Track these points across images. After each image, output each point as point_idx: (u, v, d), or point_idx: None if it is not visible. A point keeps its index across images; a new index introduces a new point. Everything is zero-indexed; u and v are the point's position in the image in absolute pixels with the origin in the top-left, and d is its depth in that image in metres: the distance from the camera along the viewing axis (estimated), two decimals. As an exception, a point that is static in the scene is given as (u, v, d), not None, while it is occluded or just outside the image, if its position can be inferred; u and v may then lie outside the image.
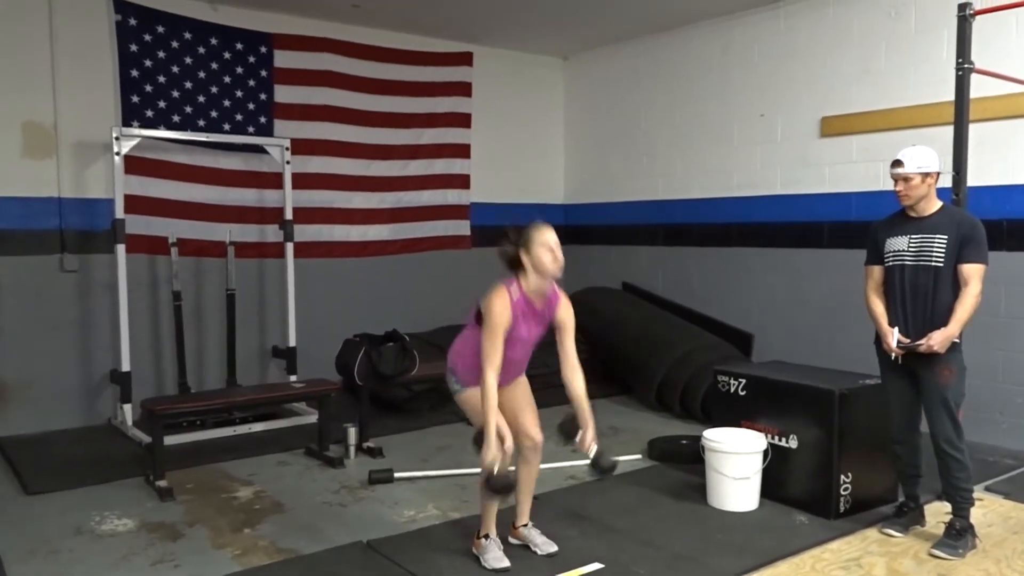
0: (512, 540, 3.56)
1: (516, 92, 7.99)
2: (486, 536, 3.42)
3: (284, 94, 6.65)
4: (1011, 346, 5.08)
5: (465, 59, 7.61)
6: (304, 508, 4.18)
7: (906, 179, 3.50)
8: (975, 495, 3.68)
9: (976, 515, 3.67)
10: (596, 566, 3.35)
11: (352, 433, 5.07)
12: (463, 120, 7.66)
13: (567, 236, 8.18)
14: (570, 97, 8.35)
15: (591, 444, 3.28)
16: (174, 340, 6.00)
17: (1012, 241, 5.04)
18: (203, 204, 6.29)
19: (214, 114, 6.34)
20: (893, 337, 3.52)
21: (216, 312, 6.31)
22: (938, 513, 3.79)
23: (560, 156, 8.39)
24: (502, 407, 3.27)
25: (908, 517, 3.77)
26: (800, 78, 6.23)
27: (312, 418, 5.59)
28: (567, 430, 3.34)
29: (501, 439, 3.10)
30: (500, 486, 3.12)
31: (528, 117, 8.08)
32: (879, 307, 3.66)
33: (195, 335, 6.26)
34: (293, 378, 6.14)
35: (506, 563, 3.33)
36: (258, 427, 5.63)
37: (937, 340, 3.40)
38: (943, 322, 3.44)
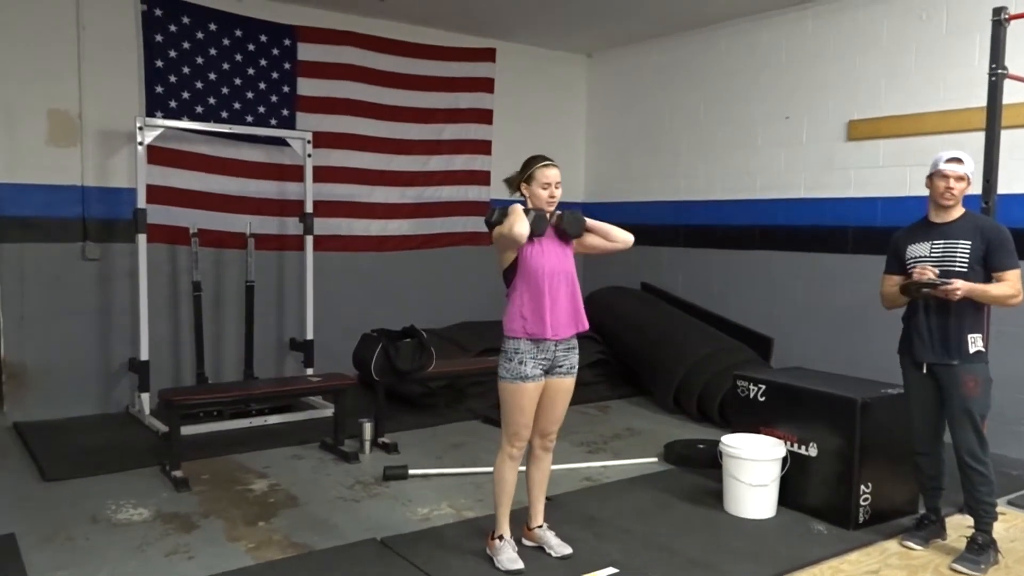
0: (526, 542, 3.53)
1: (538, 89, 7.95)
2: (500, 537, 3.40)
3: (307, 87, 6.65)
4: (1037, 358, 4.99)
5: (488, 55, 7.58)
6: (318, 502, 4.17)
7: (961, 178, 3.44)
8: (998, 509, 3.61)
9: (999, 530, 3.60)
10: (611, 570, 3.32)
11: (367, 428, 5.07)
12: (485, 116, 7.63)
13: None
14: (593, 95, 8.29)
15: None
16: (193, 330, 6.02)
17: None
18: (224, 195, 6.31)
19: (237, 106, 6.35)
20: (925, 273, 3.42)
21: (235, 304, 6.32)
22: (959, 527, 3.74)
23: (582, 154, 8.34)
24: (542, 397, 3.33)
25: (929, 530, 3.71)
26: (827, 81, 6.15)
27: (328, 412, 5.59)
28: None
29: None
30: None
31: (550, 114, 8.03)
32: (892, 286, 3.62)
33: (213, 326, 6.28)
34: (310, 371, 6.15)
35: (520, 565, 3.31)
36: (274, 420, 5.64)
37: (962, 285, 3.33)
38: (968, 329, 3.41)
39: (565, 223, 3.33)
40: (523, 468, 3.50)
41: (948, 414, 3.53)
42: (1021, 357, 4.93)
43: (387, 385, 5.31)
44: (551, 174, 3.32)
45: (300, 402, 5.95)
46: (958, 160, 3.45)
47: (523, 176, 3.35)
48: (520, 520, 3.55)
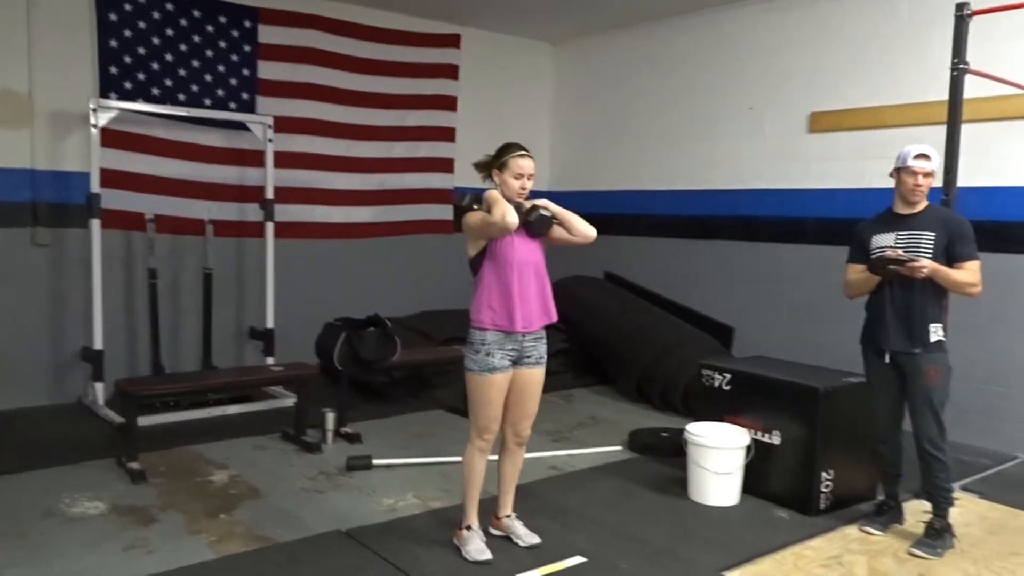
0: (494, 531, 3.52)
1: (504, 76, 7.89)
2: (468, 527, 3.37)
3: (268, 70, 6.50)
4: (989, 347, 5.11)
5: (453, 41, 7.50)
6: (281, 494, 4.10)
7: (928, 174, 3.50)
8: (953, 495, 3.69)
9: (953, 515, 3.68)
10: (579, 559, 3.32)
11: (330, 418, 4.99)
12: (449, 103, 7.55)
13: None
14: (558, 83, 8.27)
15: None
16: (149, 319, 5.87)
17: (997, 243, 5.05)
18: (182, 180, 6.14)
19: (195, 88, 6.18)
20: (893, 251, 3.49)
21: (192, 291, 6.17)
22: (916, 512, 3.82)
23: (546, 143, 8.31)
24: (511, 390, 3.29)
25: (888, 515, 3.79)
26: (791, 73, 6.20)
27: (289, 401, 5.51)
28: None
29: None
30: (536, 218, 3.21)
31: (515, 102, 7.99)
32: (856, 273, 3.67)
33: (170, 314, 6.12)
34: (270, 361, 6.04)
35: (488, 555, 3.29)
36: (233, 410, 5.53)
37: (928, 264, 3.40)
38: (930, 318, 3.49)
39: (532, 224, 3.24)
40: (493, 457, 3.48)
41: (909, 402, 3.60)
42: (973, 347, 5.05)
43: (350, 374, 5.24)
44: (525, 165, 3.26)
45: (260, 392, 5.85)
46: (926, 156, 3.51)
47: (497, 162, 3.30)
48: (488, 510, 3.54)
